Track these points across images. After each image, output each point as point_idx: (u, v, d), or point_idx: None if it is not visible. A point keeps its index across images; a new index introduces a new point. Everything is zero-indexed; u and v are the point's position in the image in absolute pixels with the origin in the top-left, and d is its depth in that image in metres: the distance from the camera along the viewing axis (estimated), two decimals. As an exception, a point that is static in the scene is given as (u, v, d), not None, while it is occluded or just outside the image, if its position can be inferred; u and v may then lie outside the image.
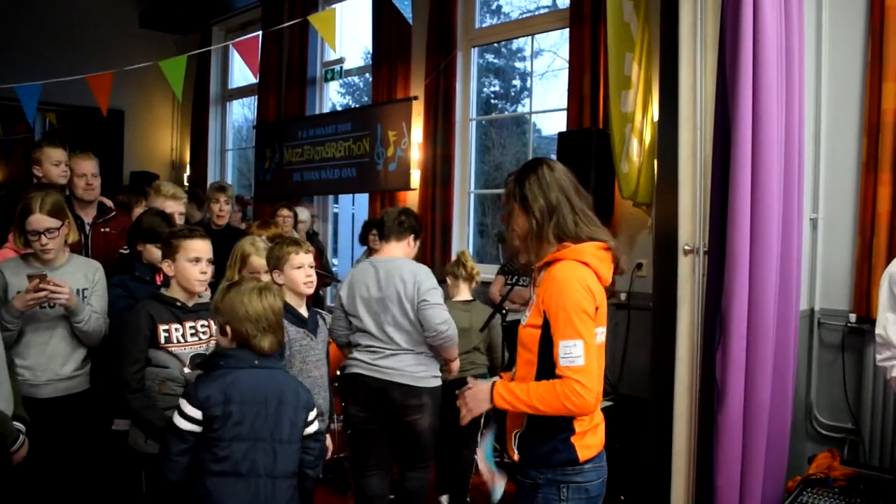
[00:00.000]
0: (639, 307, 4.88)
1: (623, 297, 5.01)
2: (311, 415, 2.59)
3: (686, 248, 3.19)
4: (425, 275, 3.57)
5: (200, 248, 2.92)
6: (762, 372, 3.00)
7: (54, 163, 3.89)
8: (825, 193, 3.83)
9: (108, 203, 4.17)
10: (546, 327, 2.18)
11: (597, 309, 2.18)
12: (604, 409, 4.23)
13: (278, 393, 2.47)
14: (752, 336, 2.97)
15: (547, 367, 2.17)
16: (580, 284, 2.14)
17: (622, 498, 4.25)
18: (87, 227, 3.92)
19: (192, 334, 2.90)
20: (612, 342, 5.09)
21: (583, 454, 2.22)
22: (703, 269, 3.15)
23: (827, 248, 3.84)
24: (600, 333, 2.24)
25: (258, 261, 3.32)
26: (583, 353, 2.09)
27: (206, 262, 2.94)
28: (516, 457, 2.28)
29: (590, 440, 2.25)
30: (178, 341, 2.85)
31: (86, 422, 3.23)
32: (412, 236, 3.73)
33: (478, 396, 2.25)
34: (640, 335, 4.85)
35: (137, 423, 2.78)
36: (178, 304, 2.90)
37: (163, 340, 2.82)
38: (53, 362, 3.12)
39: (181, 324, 2.87)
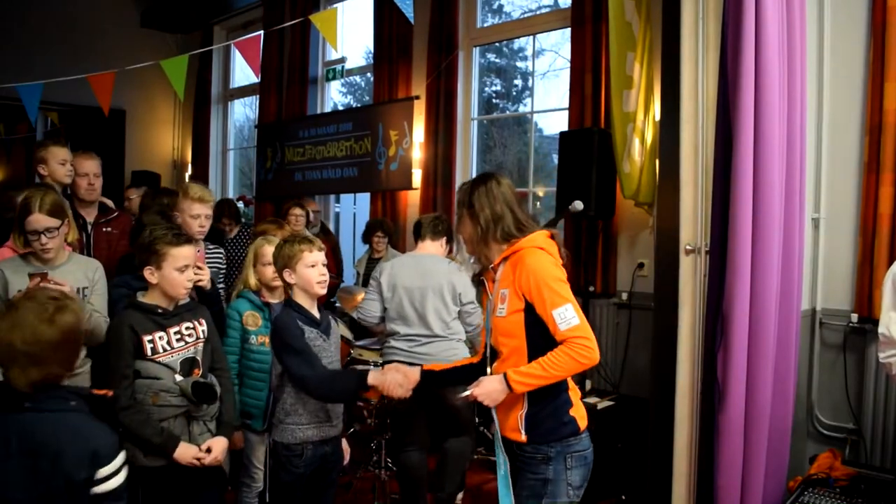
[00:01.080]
0: (640, 307, 4.88)
1: (624, 296, 5.02)
2: (105, 471, 2.04)
3: (687, 247, 3.19)
4: (465, 281, 3.88)
5: (187, 254, 2.83)
6: (763, 372, 3.00)
7: (60, 161, 3.88)
8: (827, 193, 3.82)
9: (110, 203, 4.17)
10: (530, 310, 2.42)
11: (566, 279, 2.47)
12: (604, 409, 4.28)
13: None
14: (753, 336, 2.97)
15: (535, 347, 2.41)
16: (549, 261, 2.45)
17: (623, 498, 4.25)
18: (89, 227, 3.92)
19: (177, 339, 2.81)
20: (614, 342, 5.09)
21: (581, 424, 2.50)
22: (704, 268, 3.15)
23: (828, 247, 3.83)
24: None
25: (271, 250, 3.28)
26: (574, 313, 2.36)
27: (192, 268, 2.87)
28: (523, 437, 2.46)
29: (581, 411, 2.54)
30: (165, 350, 2.76)
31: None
32: (445, 239, 4.16)
33: (492, 390, 2.42)
34: (641, 335, 4.85)
35: (133, 441, 2.64)
36: (160, 310, 2.80)
37: (149, 352, 2.72)
38: None
39: (165, 331, 2.77)
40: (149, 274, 2.79)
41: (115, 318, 2.77)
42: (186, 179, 9.48)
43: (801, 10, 3.20)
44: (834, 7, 3.79)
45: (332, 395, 2.86)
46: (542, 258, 2.44)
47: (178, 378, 2.76)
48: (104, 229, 3.95)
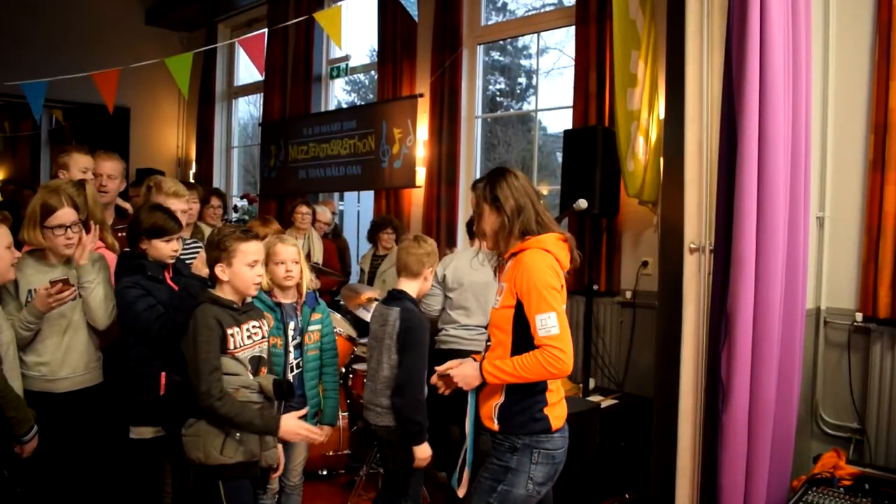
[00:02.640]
0: (644, 305, 4.87)
1: (628, 295, 5.01)
2: None
3: (692, 246, 3.18)
4: None
5: (256, 250, 2.83)
6: (767, 371, 2.99)
7: (82, 169, 3.86)
8: (832, 192, 3.81)
9: (126, 206, 4.17)
10: (519, 308, 2.52)
11: (562, 287, 2.54)
12: (608, 408, 4.28)
13: None
14: (757, 335, 2.96)
15: (519, 344, 2.52)
16: (547, 266, 2.51)
17: (627, 496, 4.24)
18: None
19: (247, 337, 2.82)
20: (617, 340, 5.09)
21: (555, 423, 2.58)
22: (708, 267, 3.14)
23: (833, 246, 3.82)
24: (564, 309, 2.54)
25: (285, 249, 3.27)
26: (557, 323, 2.44)
27: (261, 264, 2.88)
28: (496, 426, 2.59)
29: (559, 412, 2.61)
30: (239, 346, 2.76)
31: (102, 415, 3.26)
32: None
33: (467, 374, 2.62)
34: (645, 333, 4.85)
35: (236, 427, 2.67)
36: (235, 306, 2.81)
37: (231, 346, 2.73)
38: (70, 357, 3.14)
39: (239, 327, 2.78)
40: (219, 271, 2.78)
41: (200, 314, 2.72)
42: (191, 177, 9.51)
43: (807, 8, 3.18)
44: (839, 4, 3.78)
45: None
46: (540, 261, 2.51)
47: (250, 376, 2.78)
48: (120, 234, 3.94)
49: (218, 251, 2.79)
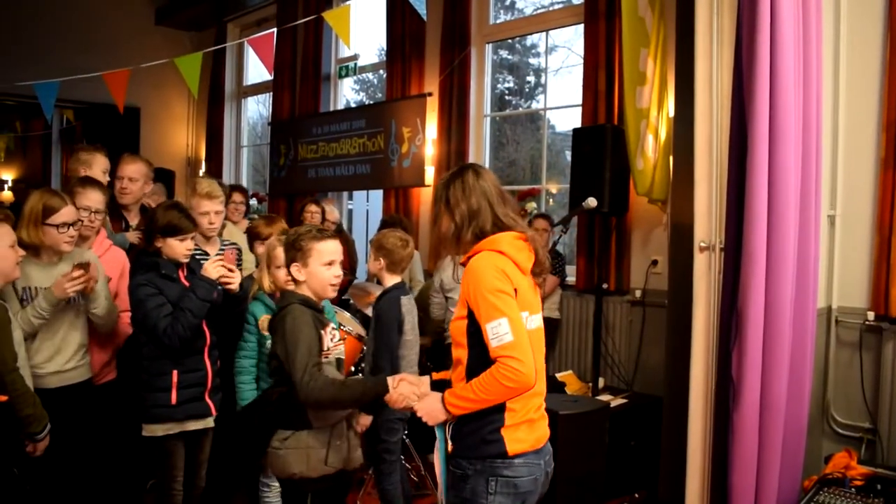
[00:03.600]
0: (654, 304, 4.86)
1: (638, 294, 5.00)
2: None
3: (702, 244, 3.17)
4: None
5: (333, 250, 2.76)
6: (778, 370, 2.97)
7: (103, 170, 3.92)
8: (843, 190, 3.79)
9: (151, 204, 4.21)
10: (472, 317, 2.23)
11: (516, 291, 2.23)
12: (618, 407, 4.26)
13: None
14: (768, 334, 2.95)
15: (476, 359, 2.23)
16: (493, 269, 2.21)
17: (637, 496, 4.23)
18: (130, 230, 3.96)
19: (331, 339, 2.81)
20: (627, 339, 5.08)
21: (512, 447, 2.23)
22: (718, 266, 3.13)
23: (844, 245, 3.80)
24: (529, 318, 2.29)
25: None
26: (509, 329, 2.14)
27: (339, 264, 2.81)
28: (450, 447, 2.31)
29: (523, 434, 2.27)
30: (327, 347, 2.76)
31: (91, 411, 3.29)
32: None
33: (432, 409, 2.30)
34: (654, 332, 4.83)
35: (350, 405, 2.64)
36: (319, 308, 2.78)
37: (324, 347, 2.72)
38: (62, 353, 3.18)
39: (324, 329, 2.76)
40: (296, 271, 2.73)
41: (297, 311, 2.65)
42: (200, 175, 9.53)
43: (817, 5, 3.16)
44: (850, 1, 3.76)
45: None
46: (487, 264, 2.23)
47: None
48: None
49: (294, 251, 2.74)
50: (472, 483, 2.24)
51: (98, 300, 3.23)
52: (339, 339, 2.88)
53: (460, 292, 2.31)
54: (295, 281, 2.75)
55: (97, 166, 3.91)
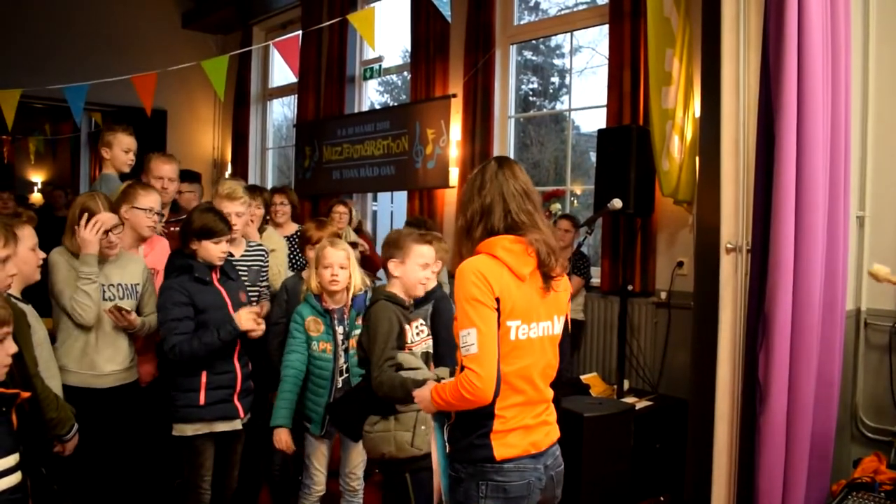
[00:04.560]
0: (680, 306, 4.83)
1: (663, 295, 4.97)
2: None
3: (728, 246, 3.15)
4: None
5: (429, 254, 3.00)
6: (806, 373, 2.95)
7: (125, 149, 3.98)
8: (872, 191, 3.74)
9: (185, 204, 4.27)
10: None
11: (498, 300, 2.15)
12: (643, 409, 4.24)
13: None
14: (795, 336, 2.92)
15: None
16: (473, 274, 2.15)
17: (662, 499, 4.21)
18: (161, 226, 4.00)
19: (416, 334, 2.98)
20: (653, 341, 5.05)
21: (500, 452, 2.21)
22: (745, 267, 3.10)
23: (873, 246, 3.75)
24: (523, 327, 2.21)
25: (334, 253, 3.30)
26: (476, 340, 2.10)
27: (431, 267, 3.03)
28: (447, 448, 2.32)
29: (514, 440, 2.24)
30: (413, 341, 2.92)
31: (142, 411, 3.37)
32: None
33: (424, 398, 2.32)
34: (680, 334, 4.80)
35: (406, 401, 2.67)
36: (406, 304, 2.95)
37: (408, 340, 2.87)
38: (121, 353, 3.29)
39: (409, 324, 2.93)
40: (392, 266, 2.96)
41: (380, 307, 2.84)
42: (225, 176, 9.62)
43: (846, 4, 3.13)
44: (879, 1, 3.71)
45: None
46: (469, 270, 2.17)
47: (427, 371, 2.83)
48: (172, 228, 4.02)
49: (395, 248, 2.97)
50: (464, 486, 2.24)
51: (142, 330, 3.36)
52: (427, 335, 3.03)
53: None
54: (390, 276, 2.96)
55: (118, 145, 3.97)
